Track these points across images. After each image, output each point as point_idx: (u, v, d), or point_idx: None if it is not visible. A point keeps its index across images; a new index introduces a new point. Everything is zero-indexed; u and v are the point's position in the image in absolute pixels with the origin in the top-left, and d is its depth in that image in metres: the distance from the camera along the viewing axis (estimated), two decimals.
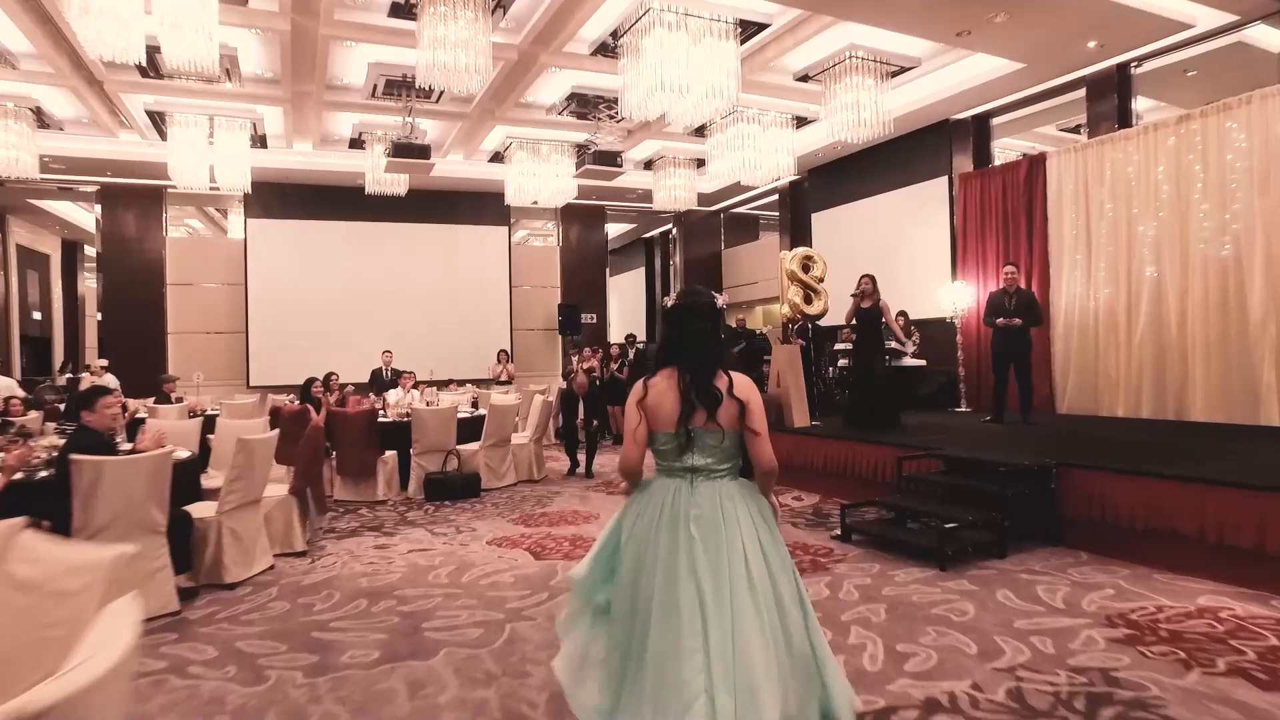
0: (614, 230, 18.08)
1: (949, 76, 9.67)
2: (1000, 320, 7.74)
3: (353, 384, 10.18)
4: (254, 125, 11.07)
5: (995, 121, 10.48)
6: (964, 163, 10.55)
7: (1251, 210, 7.22)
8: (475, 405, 9.95)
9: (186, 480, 4.77)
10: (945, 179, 10.75)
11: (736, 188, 14.43)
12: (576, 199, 13.71)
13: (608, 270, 16.79)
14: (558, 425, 8.61)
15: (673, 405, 2.34)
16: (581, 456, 8.88)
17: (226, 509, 4.67)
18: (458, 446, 7.93)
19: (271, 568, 5.05)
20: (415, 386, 10.35)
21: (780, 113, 10.63)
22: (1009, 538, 4.94)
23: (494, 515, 6.72)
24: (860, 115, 8.91)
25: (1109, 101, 8.82)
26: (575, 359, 12.98)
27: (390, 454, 7.61)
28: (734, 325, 11.52)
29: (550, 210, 15.56)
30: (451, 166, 13.19)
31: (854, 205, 12.34)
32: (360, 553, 5.53)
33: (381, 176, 11.29)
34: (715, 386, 2.33)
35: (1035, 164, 9.23)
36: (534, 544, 5.67)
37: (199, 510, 4.69)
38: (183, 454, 4.91)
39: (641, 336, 17.12)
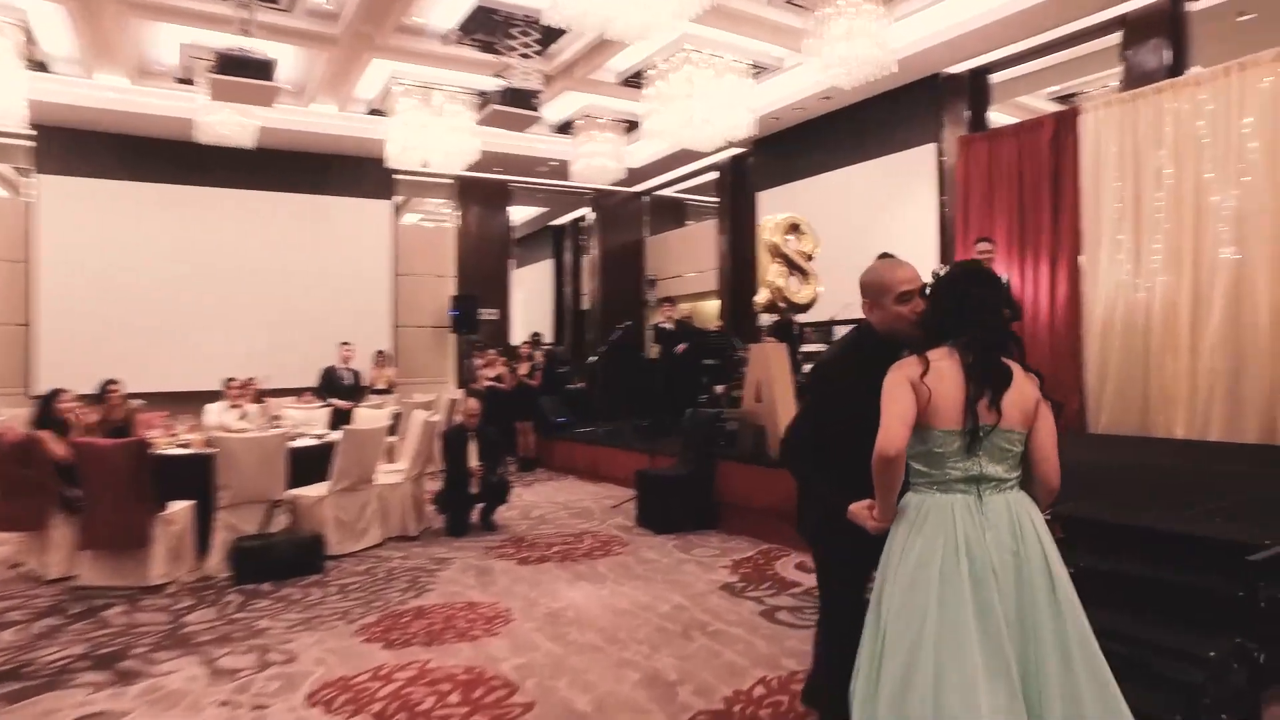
0: (520, 215, 15.53)
1: (941, 17, 7.73)
2: None
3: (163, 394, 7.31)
4: (26, 36, 7.97)
5: (995, 78, 8.63)
6: (956, 127, 8.65)
7: None
8: (341, 423, 7.28)
9: None
10: (933, 146, 8.83)
11: (666, 164, 12.28)
12: (478, 170, 11.18)
13: (513, 261, 14.22)
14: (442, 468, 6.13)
15: (957, 390, 1.85)
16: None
17: None
18: (295, 492, 5.30)
19: None
20: (256, 400, 7.59)
21: (739, 57, 8.47)
22: (1267, 679, 2.79)
23: (335, 617, 4.12)
24: (854, 53, 6.78)
25: (1153, 50, 7.04)
26: (478, 362, 10.47)
27: (180, 507, 4.87)
28: (666, 323, 9.24)
29: (446, 186, 12.89)
30: (319, 119, 10.38)
31: (812, 181, 10.29)
32: None
33: (216, 121, 8.44)
34: (1008, 366, 1.88)
35: (1064, 121, 7.36)
36: (396, 701, 3.15)
37: None
38: None
39: (548, 337, 14.68)
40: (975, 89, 8.61)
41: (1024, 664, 1.82)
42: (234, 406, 6.80)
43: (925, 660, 1.82)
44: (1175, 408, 6.51)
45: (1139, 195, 6.78)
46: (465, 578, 4.84)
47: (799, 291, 6.15)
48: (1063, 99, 9.43)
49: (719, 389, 8.83)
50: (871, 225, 9.25)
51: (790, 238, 6.16)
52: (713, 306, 12.17)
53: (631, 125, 10.67)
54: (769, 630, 3.77)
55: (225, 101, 7.47)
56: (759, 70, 9.03)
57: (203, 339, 10.44)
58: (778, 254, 6.01)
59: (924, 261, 8.68)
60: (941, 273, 2.16)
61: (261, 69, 6.80)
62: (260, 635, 3.85)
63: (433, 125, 9.09)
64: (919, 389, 1.90)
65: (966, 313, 1.95)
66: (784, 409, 5.77)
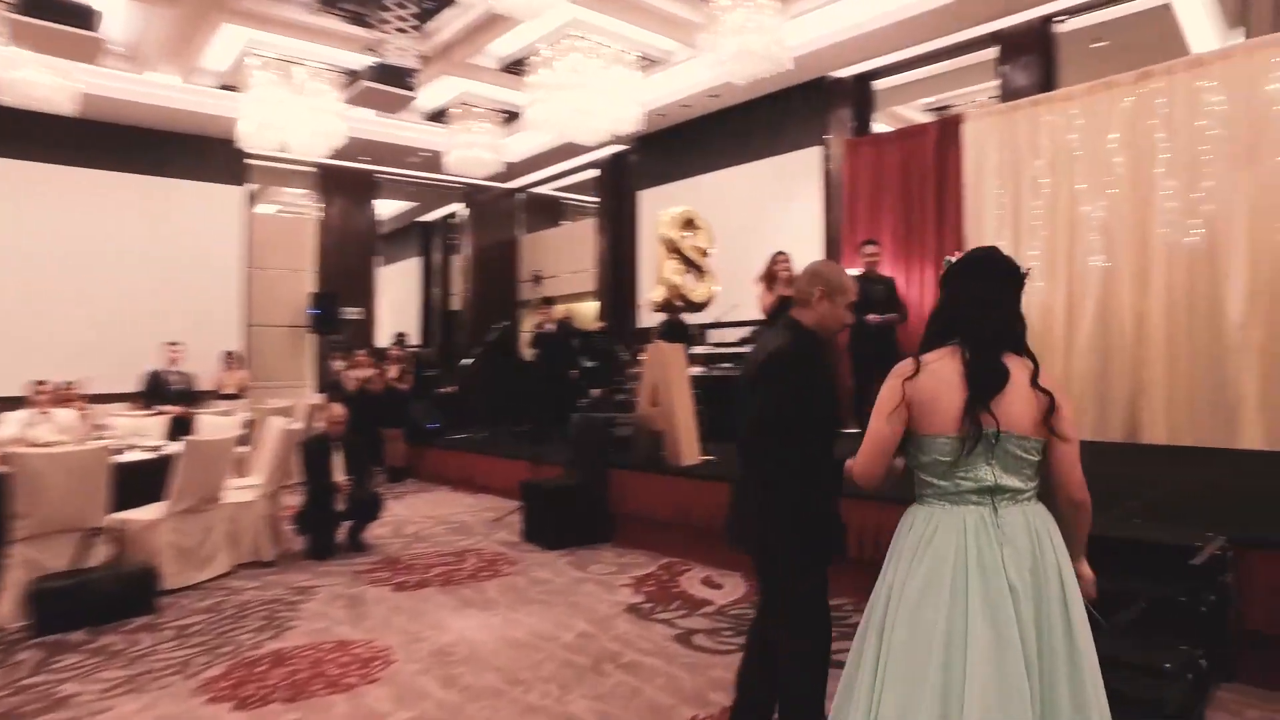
0: (387, 209, 14.56)
1: (828, 20, 7.75)
2: (873, 317, 5.68)
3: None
4: None
5: (879, 85, 8.76)
6: (841, 131, 8.72)
7: (1230, 187, 5.87)
8: (182, 433, 6.35)
9: None
10: (819, 149, 8.87)
11: (544, 159, 11.83)
12: (343, 159, 10.31)
13: (379, 258, 13.26)
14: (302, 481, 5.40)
15: (956, 392, 1.70)
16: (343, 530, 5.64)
17: None
18: (121, 516, 4.46)
19: None
20: (78, 407, 6.54)
21: (627, 47, 8.15)
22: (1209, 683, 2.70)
23: (170, 671, 3.40)
24: (748, 48, 6.61)
25: (1025, 66, 7.31)
26: (338, 365, 9.59)
27: None
28: (547, 325, 8.75)
29: (306, 174, 11.82)
30: (160, 89, 9.18)
31: (695, 181, 10.12)
32: None
33: (23, 79, 7.20)
34: (1005, 365, 1.71)
35: (948, 129, 7.53)
36: None
37: None
38: None
39: (415, 339, 13.84)
40: (860, 94, 8.70)
41: (1038, 689, 1.65)
42: (43, 413, 5.75)
43: (931, 693, 1.63)
44: None
45: (1018, 203, 7.00)
46: (333, 610, 4.21)
47: (695, 289, 5.88)
48: (938, 110, 9.76)
49: (596, 392, 8.53)
50: (756, 227, 9.17)
51: (687, 233, 5.88)
52: (590, 308, 11.80)
53: (510, 116, 10.14)
54: (688, 659, 3.42)
55: (36, 52, 6.33)
56: (648, 63, 8.76)
57: (13, 337, 8.97)
58: (674, 250, 5.72)
59: (812, 256, 8.76)
60: (951, 262, 1.96)
61: (79, 15, 5.79)
62: (64, 705, 3.08)
63: (293, 104, 8.20)
64: (905, 393, 1.79)
65: (971, 306, 1.78)
66: (683, 412, 5.48)
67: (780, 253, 5.78)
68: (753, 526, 2.28)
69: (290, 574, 4.93)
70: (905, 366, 1.81)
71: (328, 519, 5.42)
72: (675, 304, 5.90)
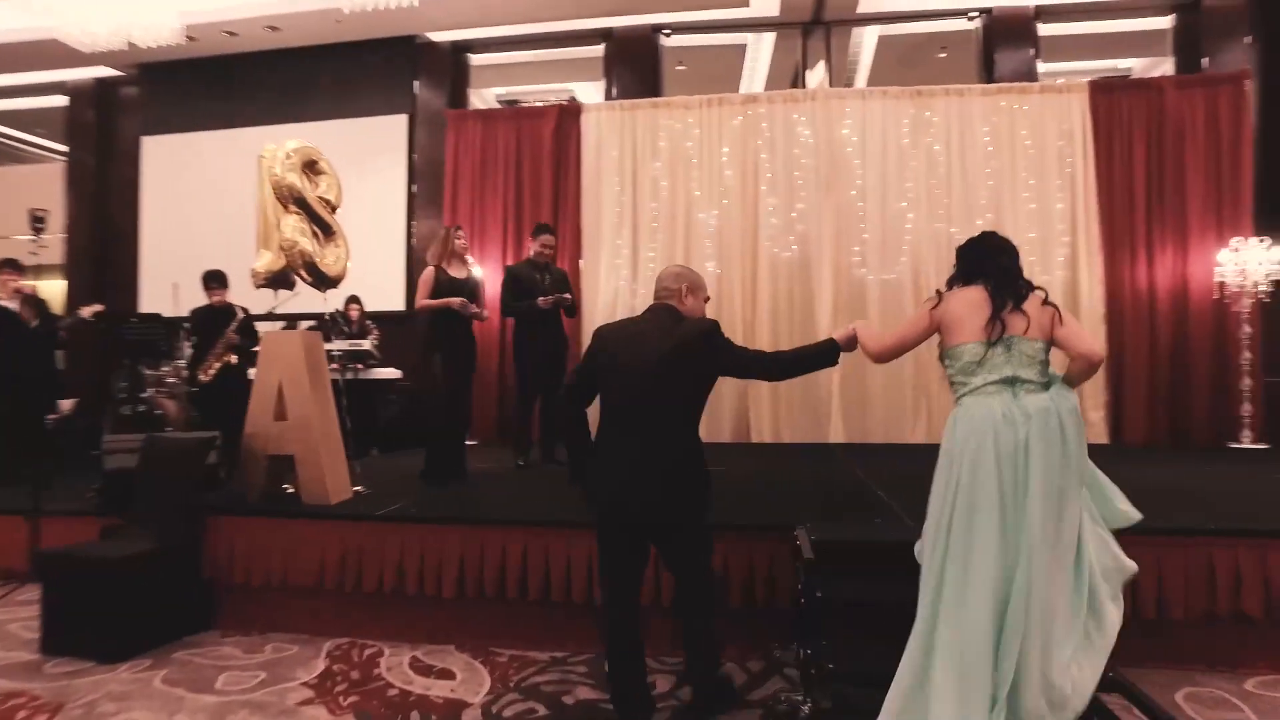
0: None
1: None
2: (543, 300, 4.91)
3: None
4: None
5: (477, 60, 7.92)
6: (434, 101, 7.64)
7: (818, 211, 6.62)
8: None
9: None
10: (404, 117, 7.64)
11: None
12: None
13: None
14: None
15: (982, 306, 2.22)
16: None
17: None
18: None
19: None
20: None
21: None
22: None
23: None
24: None
25: (634, 68, 7.35)
26: None
27: None
28: (7, 300, 5.59)
29: None
30: None
31: (233, 135, 7.86)
32: None
33: None
34: (1024, 283, 2.26)
35: (567, 116, 7.05)
36: None
37: None
38: None
39: None
40: (457, 65, 7.75)
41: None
42: None
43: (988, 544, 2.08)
44: None
45: (638, 202, 6.89)
46: None
47: (326, 256, 4.24)
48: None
49: (66, 405, 5.95)
50: None
51: (308, 181, 4.22)
52: (56, 286, 8.35)
53: None
54: None
55: None
56: None
57: None
58: (295, 199, 4.01)
59: (392, 239, 7.44)
60: (970, 239, 2.45)
61: None
62: None
63: None
64: (933, 316, 2.31)
65: (986, 261, 2.31)
66: (328, 429, 3.83)
67: (457, 227, 4.61)
68: (671, 499, 2.38)
69: None
70: (930, 301, 2.34)
71: None
72: (298, 275, 4.16)
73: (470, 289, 4.44)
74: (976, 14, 7.00)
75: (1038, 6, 6.85)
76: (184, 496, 3.47)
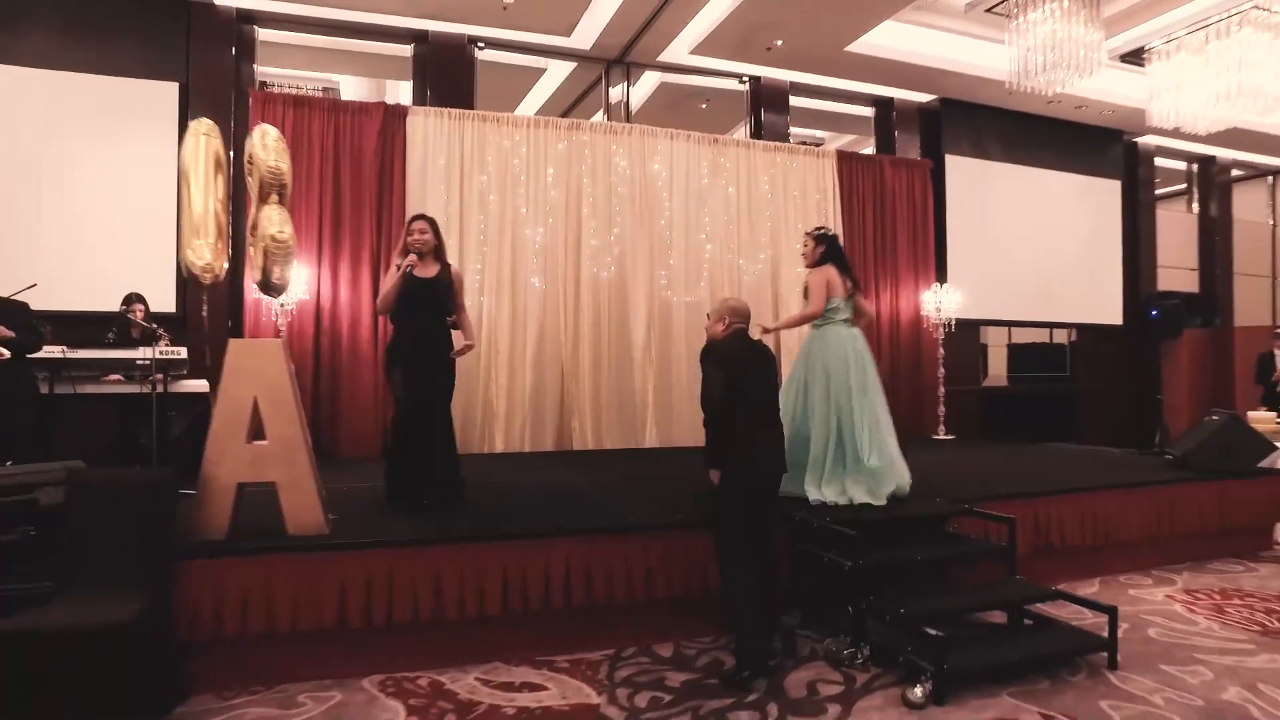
0: None
1: None
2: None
3: None
4: None
5: (265, 36, 7.09)
6: (218, 73, 6.68)
7: (633, 237, 7.28)
8: None
9: None
10: (176, 85, 6.60)
11: None
12: None
13: None
14: None
15: (840, 279, 4.19)
16: None
17: None
18: None
19: None
20: None
21: None
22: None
23: None
24: None
25: (449, 75, 7.26)
26: None
27: None
28: None
29: None
30: None
31: None
32: None
33: None
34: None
35: (394, 116, 6.72)
36: None
37: None
38: None
39: None
40: (241, 36, 6.87)
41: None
42: None
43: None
44: (497, 423, 6.85)
45: (465, 214, 6.88)
46: None
47: (277, 262, 3.75)
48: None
49: None
50: (62, 175, 6.16)
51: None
52: None
53: None
54: None
55: None
56: None
57: None
58: (275, 187, 3.51)
59: (159, 224, 6.32)
60: (827, 233, 4.35)
61: None
62: None
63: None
64: (826, 278, 4.19)
65: (839, 254, 4.32)
66: (303, 450, 3.42)
67: (418, 217, 4.27)
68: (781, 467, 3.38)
69: None
70: (832, 269, 4.22)
71: None
72: (270, 282, 3.56)
73: (431, 288, 4.08)
74: (747, 79, 8.29)
75: (791, 82, 8.35)
76: (157, 540, 2.92)
